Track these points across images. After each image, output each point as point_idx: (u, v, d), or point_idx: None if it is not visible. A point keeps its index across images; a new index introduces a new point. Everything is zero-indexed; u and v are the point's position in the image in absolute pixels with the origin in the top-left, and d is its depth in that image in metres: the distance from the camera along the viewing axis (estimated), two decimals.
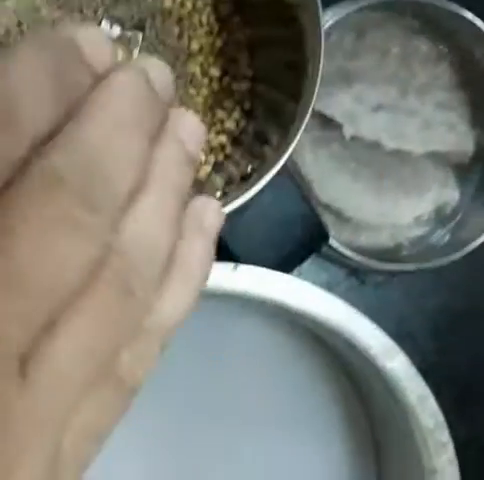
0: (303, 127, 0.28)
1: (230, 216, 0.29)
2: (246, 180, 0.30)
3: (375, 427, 0.35)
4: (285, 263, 0.30)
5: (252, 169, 0.30)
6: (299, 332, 0.34)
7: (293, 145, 0.28)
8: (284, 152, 0.29)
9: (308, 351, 0.35)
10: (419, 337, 0.43)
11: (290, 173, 0.30)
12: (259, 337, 0.34)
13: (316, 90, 0.28)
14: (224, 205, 0.28)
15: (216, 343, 0.34)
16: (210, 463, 0.34)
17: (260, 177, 0.28)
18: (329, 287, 0.41)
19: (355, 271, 0.41)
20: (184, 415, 0.33)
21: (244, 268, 0.28)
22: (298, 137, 0.28)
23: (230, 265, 0.28)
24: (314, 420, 0.35)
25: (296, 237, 0.29)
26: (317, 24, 0.29)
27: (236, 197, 0.29)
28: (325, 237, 0.30)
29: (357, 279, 0.41)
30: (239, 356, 0.34)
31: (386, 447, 0.35)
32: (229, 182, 0.32)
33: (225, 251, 0.29)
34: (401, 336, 0.30)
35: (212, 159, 0.34)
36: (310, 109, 0.28)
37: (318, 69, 0.28)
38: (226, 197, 0.30)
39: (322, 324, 0.29)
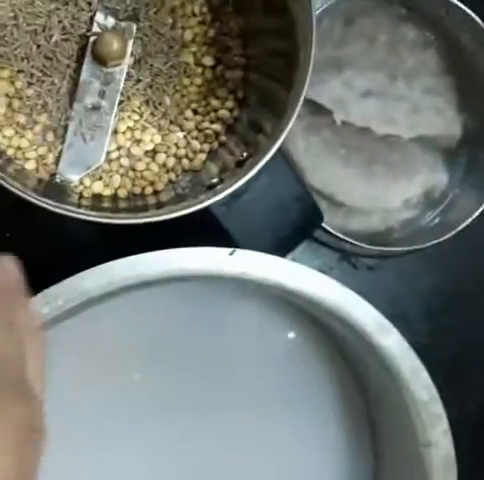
0: (295, 115, 0.29)
1: (227, 201, 0.30)
2: (241, 166, 0.31)
3: (370, 405, 0.36)
4: (281, 246, 0.31)
5: (246, 155, 0.31)
6: (294, 313, 0.35)
7: (286, 132, 0.29)
8: (277, 139, 0.29)
9: (303, 332, 0.35)
10: (411, 319, 0.44)
11: (284, 157, 0.30)
12: (254, 319, 0.35)
13: (308, 78, 0.29)
14: (221, 191, 0.29)
15: (212, 326, 0.34)
16: (207, 445, 0.34)
17: (254, 163, 0.29)
18: (322, 272, 0.41)
19: (347, 255, 0.42)
20: (182, 396, 0.34)
21: (241, 252, 0.29)
22: (290, 124, 0.29)
23: (227, 250, 0.28)
24: (310, 399, 0.36)
25: (291, 220, 0.30)
26: (309, 13, 0.30)
27: (232, 183, 0.29)
28: (320, 219, 0.31)
29: (349, 263, 0.42)
30: (235, 338, 0.35)
31: (381, 424, 0.36)
32: (224, 169, 0.33)
33: (223, 235, 0.30)
34: (394, 318, 0.31)
35: (207, 147, 0.35)
36: (302, 97, 0.29)
37: (310, 57, 0.29)
38: (222, 183, 0.31)
39: (319, 304, 0.30)
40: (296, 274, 0.29)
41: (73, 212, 0.29)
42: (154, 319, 0.33)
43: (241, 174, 0.29)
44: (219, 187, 0.30)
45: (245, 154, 0.31)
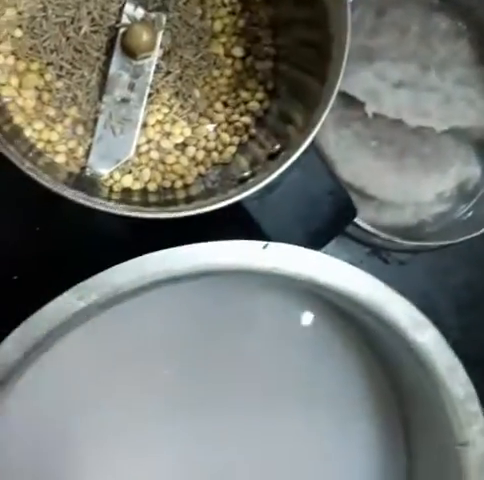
0: (329, 108, 0.28)
1: (259, 195, 0.30)
2: (273, 159, 0.30)
3: (403, 401, 0.35)
4: (314, 241, 0.30)
5: (278, 149, 0.30)
6: (321, 307, 0.34)
7: (319, 124, 0.29)
8: (310, 132, 0.29)
9: (331, 325, 0.35)
10: (442, 314, 0.43)
11: (316, 151, 0.30)
12: (281, 312, 0.35)
13: (342, 70, 0.28)
14: (253, 185, 0.29)
15: (240, 319, 0.34)
16: (237, 440, 0.34)
17: (287, 157, 0.29)
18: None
19: (377, 250, 0.41)
20: (212, 391, 0.34)
21: (274, 246, 0.28)
22: (324, 117, 0.29)
23: (260, 243, 0.28)
24: (339, 395, 0.35)
25: (324, 214, 0.30)
26: (343, 3, 0.29)
27: (264, 177, 0.29)
28: (353, 213, 0.31)
29: (380, 258, 0.41)
30: (262, 332, 0.34)
31: (415, 421, 0.35)
32: (255, 162, 0.32)
33: (255, 229, 0.30)
34: (424, 313, 0.31)
35: (236, 140, 0.34)
36: (336, 90, 0.29)
37: (344, 48, 0.28)
38: (254, 177, 0.30)
39: (351, 299, 0.30)
40: (330, 268, 0.29)
41: (103, 206, 0.29)
42: (182, 313, 0.32)
43: (273, 168, 0.29)
44: (250, 181, 0.30)
45: (277, 147, 0.31)
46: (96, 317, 0.27)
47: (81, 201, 0.28)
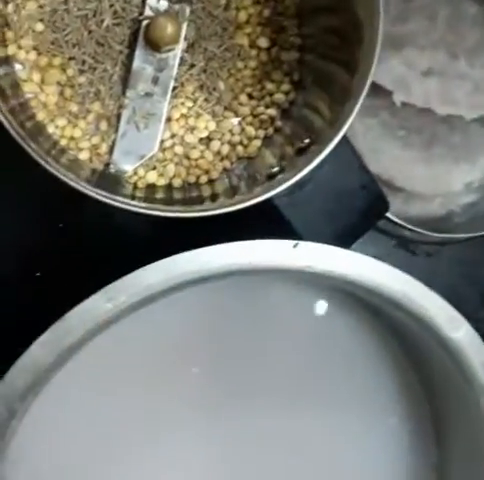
0: (362, 99, 0.28)
1: (290, 191, 0.29)
2: (301, 154, 0.30)
3: (434, 396, 0.35)
4: (345, 236, 0.29)
5: (308, 143, 0.30)
6: (351, 303, 0.34)
7: (352, 117, 0.28)
8: (341, 126, 0.28)
9: (360, 322, 0.34)
10: (469, 306, 0.43)
11: (348, 143, 0.29)
12: (309, 309, 0.34)
13: (375, 59, 0.27)
14: (282, 182, 0.28)
15: (268, 317, 0.33)
16: (265, 437, 0.34)
17: (318, 151, 0.28)
18: (379, 259, 0.40)
19: (404, 242, 0.41)
20: (241, 389, 0.33)
21: (305, 245, 0.27)
22: (356, 110, 0.28)
23: (291, 242, 0.27)
24: (369, 392, 0.34)
25: (356, 209, 0.29)
26: None
27: (293, 174, 0.28)
28: (385, 207, 0.30)
29: (407, 250, 0.41)
30: (288, 330, 0.34)
31: (447, 417, 0.34)
32: (282, 157, 0.31)
33: (285, 225, 0.29)
34: (452, 305, 0.30)
35: (262, 133, 0.33)
36: (368, 81, 0.28)
37: (377, 36, 0.28)
38: (283, 173, 0.29)
39: (383, 296, 0.29)
40: (362, 266, 0.28)
41: (126, 204, 0.28)
42: (210, 312, 0.32)
43: (303, 164, 0.28)
44: (279, 177, 0.29)
45: (306, 141, 0.30)
46: (126, 318, 0.27)
47: (104, 200, 0.28)
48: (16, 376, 0.25)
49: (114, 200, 0.28)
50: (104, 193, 0.28)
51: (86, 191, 0.28)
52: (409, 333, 0.33)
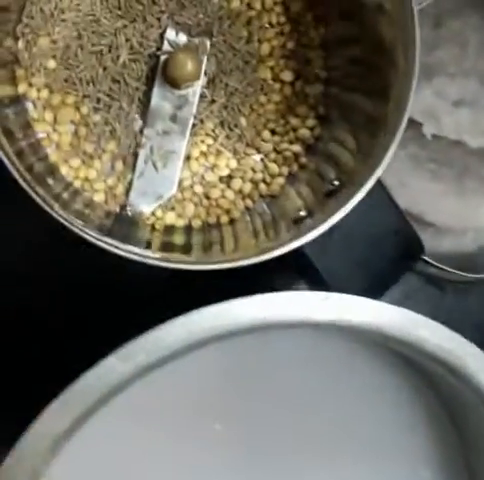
0: (400, 135, 0.26)
1: (318, 238, 0.27)
2: (331, 197, 0.28)
3: (469, 449, 0.33)
4: (377, 284, 0.28)
5: (339, 185, 0.28)
6: (381, 353, 0.32)
7: (389, 156, 0.26)
8: (377, 165, 0.26)
9: (393, 373, 0.32)
10: None
11: (380, 184, 0.27)
12: (338, 360, 0.32)
13: (412, 93, 0.25)
14: (313, 228, 0.26)
15: (292, 371, 0.32)
16: None
17: (349, 196, 0.26)
18: (407, 296, 0.38)
19: (433, 279, 0.39)
20: (264, 445, 0.31)
21: (335, 297, 0.26)
22: (394, 147, 0.26)
23: (321, 294, 0.25)
24: (404, 443, 0.33)
25: (389, 256, 0.27)
26: (406, 9, 0.26)
27: (324, 219, 0.26)
28: (420, 251, 0.28)
29: (436, 287, 0.39)
30: (319, 382, 0.32)
31: (481, 469, 0.33)
32: (309, 199, 0.30)
33: (313, 273, 0.27)
34: (481, 345, 0.28)
35: (286, 171, 0.32)
36: (406, 115, 0.26)
37: (414, 68, 0.26)
38: (311, 217, 0.28)
39: (419, 348, 0.27)
40: (396, 319, 0.26)
41: (139, 256, 0.27)
42: (233, 366, 0.30)
43: (334, 207, 0.26)
44: (307, 222, 0.27)
45: (336, 183, 0.28)
46: (144, 377, 0.25)
47: (114, 250, 0.26)
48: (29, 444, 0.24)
49: (125, 251, 0.26)
50: (115, 243, 0.26)
51: (94, 241, 0.26)
52: (443, 383, 0.31)
